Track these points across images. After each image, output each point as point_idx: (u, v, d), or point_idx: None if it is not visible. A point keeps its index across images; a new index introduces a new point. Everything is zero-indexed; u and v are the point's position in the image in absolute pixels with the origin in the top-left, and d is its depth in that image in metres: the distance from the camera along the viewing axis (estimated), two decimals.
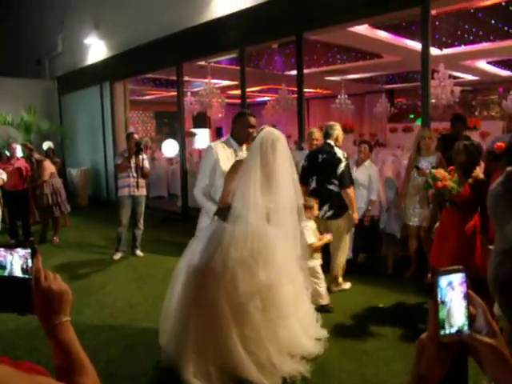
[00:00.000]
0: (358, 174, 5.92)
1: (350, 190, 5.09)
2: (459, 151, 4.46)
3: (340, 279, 5.48)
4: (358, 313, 4.79)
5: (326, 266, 5.41)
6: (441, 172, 4.52)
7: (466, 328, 0.84)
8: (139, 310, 4.98)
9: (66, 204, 8.37)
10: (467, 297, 0.86)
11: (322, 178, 5.23)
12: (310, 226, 4.79)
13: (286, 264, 3.64)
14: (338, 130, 5.30)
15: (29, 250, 1.15)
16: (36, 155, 8.27)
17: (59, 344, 1.14)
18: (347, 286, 5.49)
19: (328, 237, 4.90)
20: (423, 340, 0.87)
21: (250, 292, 3.42)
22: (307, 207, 4.65)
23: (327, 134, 5.32)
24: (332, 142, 5.25)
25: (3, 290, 1.16)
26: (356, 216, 5.16)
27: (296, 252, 3.73)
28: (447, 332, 0.84)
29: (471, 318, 0.85)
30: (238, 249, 3.41)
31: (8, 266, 1.16)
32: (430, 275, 5.56)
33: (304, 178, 5.26)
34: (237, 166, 3.66)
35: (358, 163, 6.04)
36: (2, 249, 1.17)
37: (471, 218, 4.37)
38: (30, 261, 1.15)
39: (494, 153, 4.15)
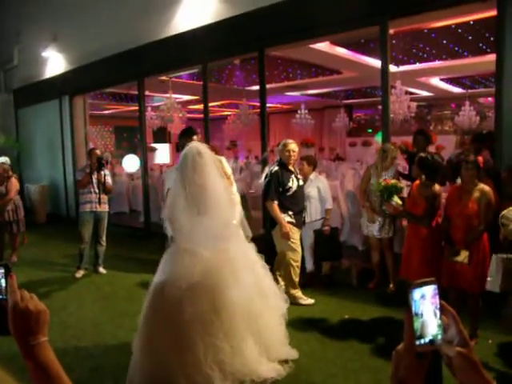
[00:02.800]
0: (307, 188, 6.02)
1: (268, 203, 5.37)
2: (414, 164, 4.67)
3: (298, 292, 5.54)
4: (325, 324, 4.85)
5: None
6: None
7: (439, 337, 0.89)
8: (104, 330, 4.88)
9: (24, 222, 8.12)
10: (440, 307, 0.91)
11: None
12: None
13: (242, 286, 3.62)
14: (280, 148, 5.61)
15: (2, 270, 1.13)
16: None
17: (39, 365, 1.11)
18: (309, 301, 5.52)
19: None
20: (399, 350, 0.91)
21: (189, 319, 3.37)
22: None
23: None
24: (278, 158, 5.62)
25: None
26: (283, 229, 5.31)
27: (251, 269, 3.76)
28: (422, 342, 0.88)
29: (444, 328, 0.90)
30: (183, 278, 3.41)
31: None
32: (392, 285, 5.70)
33: None
34: None
35: (305, 179, 6.16)
36: None
37: (429, 230, 4.52)
38: (3, 281, 1.13)
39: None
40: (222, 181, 3.61)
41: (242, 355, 3.49)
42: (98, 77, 10.66)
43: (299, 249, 5.52)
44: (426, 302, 0.89)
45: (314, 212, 6.00)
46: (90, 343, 4.56)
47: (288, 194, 5.40)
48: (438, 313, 0.90)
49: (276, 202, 5.33)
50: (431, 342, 0.88)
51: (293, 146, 5.52)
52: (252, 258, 3.91)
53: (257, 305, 3.71)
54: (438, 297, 0.90)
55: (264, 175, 5.79)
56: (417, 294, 0.89)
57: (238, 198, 4.35)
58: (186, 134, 4.39)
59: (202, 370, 3.32)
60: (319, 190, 6.04)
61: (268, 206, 5.36)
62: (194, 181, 3.43)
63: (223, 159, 4.51)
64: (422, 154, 4.71)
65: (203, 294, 3.41)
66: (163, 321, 3.43)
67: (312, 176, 6.13)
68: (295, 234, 5.44)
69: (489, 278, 4.04)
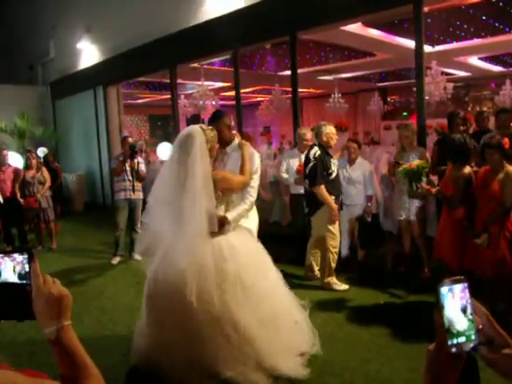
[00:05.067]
0: (352, 171, 6.01)
1: (318, 188, 5.20)
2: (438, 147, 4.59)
3: (334, 279, 5.49)
4: (359, 310, 4.80)
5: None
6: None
7: (473, 337, 0.84)
8: (139, 315, 4.93)
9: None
10: (472, 306, 0.86)
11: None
12: None
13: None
14: (324, 130, 5.40)
15: (26, 256, 1.13)
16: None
17: (63, 349, 1.13)
18: (344, 287, 5.46)
19: None
20: (432, 350, 0.87)
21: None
22: None
23: (315, 134, 5.55)
24: (316, 142, 5.45)
25: (1, 297, 1.14)
26: (333, 212, 5.22)
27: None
28: (455, 342, 0.84)
29: (477, 328, 0.86)
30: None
31: (3, 273, 1.15)
32: (426, 270, 5.58)
33: None
34: None
35: (350, 162, 6.07)
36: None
37: (462, 212, 4.42)
38: (27, 266, 1.13)
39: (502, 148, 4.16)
40: (204, 168, 3.33)
41: (253, 345, 3.34)
42: (131, 66, 10.78)
43: (338, 234, 5.48)
44: (455, 302, 0.86)
45: (356, 196, 5.97)
46: (126, 328, 4.63)
47: (330, 178, 5.33)
48: (470, 312, 0.86)
49: (323, 186, 5.24)
50: (464, 342, 0.84)
51: (333, 128, 5.49)
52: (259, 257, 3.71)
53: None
54: (468, 294, 0.87)
55: (303, 160, 5.71)
56: (446, 292, 0.86)
57: (250, 197, 3.82)
58: (215, 120, 4.13)
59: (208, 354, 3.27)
60: (364, 175, 5.97)
61: (317, 190, 5.21)
62: (180, 162, 3.33)
63: (254, 154, 3.97)
64: (450, 137, 4.60)
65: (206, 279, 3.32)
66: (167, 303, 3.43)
67: (359, 159, 6.08)
68: None
69: None
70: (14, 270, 1.13)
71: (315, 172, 5.24)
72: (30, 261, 1.13)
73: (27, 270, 1.13)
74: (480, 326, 0.86)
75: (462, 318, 0.85)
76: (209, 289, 3.30)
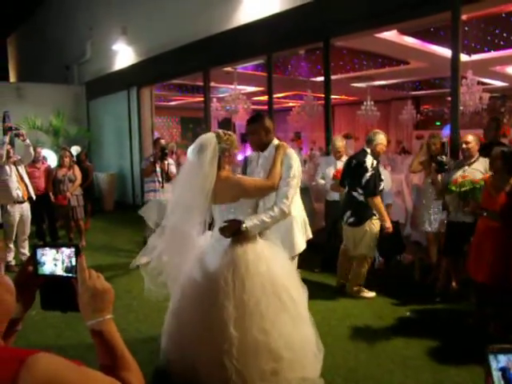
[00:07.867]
0: None
1: (376, 199, 5.08)
2: (496, 157, 4.37)
3: (362, 287, 5.45)
4: (385, 320, 4.73)
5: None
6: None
7: None
8: (165, 314, 4.99)
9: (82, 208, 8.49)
10: None
11: (350, 184, 5.33)
12: None
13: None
14: (378, 139, 5.28)
15: (73, 249, 1.19)
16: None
17: (103, 340, 1.17)
18: (371, 294, 5.42)
19: None
20: None
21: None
22: None
23: (367, 141, 5.38)
24: (368, 150, 5.26)
25: (48, 288, 1.20)
26: (387, 224, 5.12)
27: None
28: None
29: None
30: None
31: (51, 265, 1.18)
32: (454, 283, 5.45)
33: (341, 180, 5.58)
34: None
35: None
36: (47, 248, 1.19)
37: (510, 227, 4.24)
38: (73, 260, 1.18)
39: None
40: (209, 178, 3.23)
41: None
42: (165, 68, 10.91)
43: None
44: (508, 369, 0.84)
45: None
46: (152, 327, 4.66)
47: (380, 188, 5.24)
48: None
49: (380, 198, 5.16)
50: None
51: (385, 138, 5.39)
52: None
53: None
54: None
55: (338, 167, 5.62)
56: (496, 360, 0.85)
57: (281, 203, 3.35)
58: (253, 121, 4.00)
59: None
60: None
61: (375, 201, 5.07)
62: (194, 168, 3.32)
63: (291, 156, 3.52)
64: (504, 148, 4.45)
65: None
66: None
67: None
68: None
69: None
70: (61, 263, 1.18)
71: (374, 182, 5.08)
72: (77, 255, 1.18)
73: (74, 264, 1.18)
74: None
75: None
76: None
